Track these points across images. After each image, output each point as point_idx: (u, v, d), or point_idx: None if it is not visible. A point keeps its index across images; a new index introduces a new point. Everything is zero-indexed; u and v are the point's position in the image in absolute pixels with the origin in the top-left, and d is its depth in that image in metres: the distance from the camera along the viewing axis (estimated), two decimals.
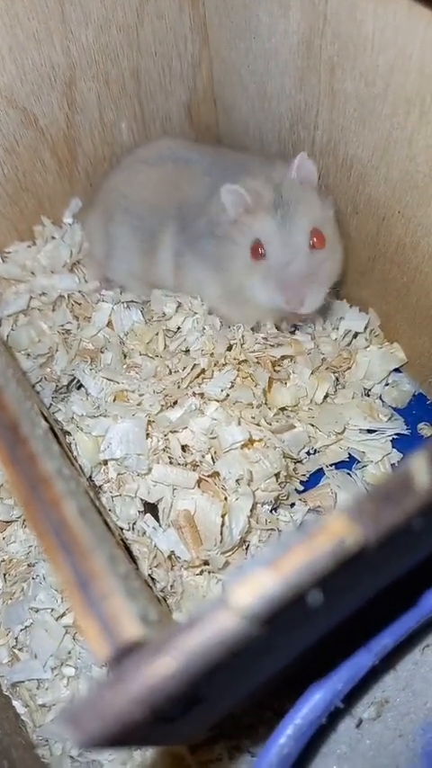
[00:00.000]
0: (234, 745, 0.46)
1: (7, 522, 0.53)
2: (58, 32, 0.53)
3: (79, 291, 0.63)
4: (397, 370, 0.60)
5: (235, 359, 0.54)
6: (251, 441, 0.50)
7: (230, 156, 0.58)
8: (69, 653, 0.47)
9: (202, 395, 0.52)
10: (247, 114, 0.61)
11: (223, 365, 0.54)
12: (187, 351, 0.55)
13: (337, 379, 0.58)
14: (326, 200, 0.52)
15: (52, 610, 0.48)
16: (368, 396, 0.59)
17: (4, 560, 0.52)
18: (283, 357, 0.56)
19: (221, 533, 0.48)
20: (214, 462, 0.50)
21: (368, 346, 0.59)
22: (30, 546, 0.52)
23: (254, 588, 0.19)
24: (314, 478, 0.56)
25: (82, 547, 0.21)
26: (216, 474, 0.50)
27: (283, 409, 0.55)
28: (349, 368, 0.59)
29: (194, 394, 0.52)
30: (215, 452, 0.51)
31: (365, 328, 0.59)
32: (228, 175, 0.51)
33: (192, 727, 0.33)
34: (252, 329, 0.57)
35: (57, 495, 0.22)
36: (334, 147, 0.52)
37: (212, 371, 0.54)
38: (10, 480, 0.23)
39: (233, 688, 0.28)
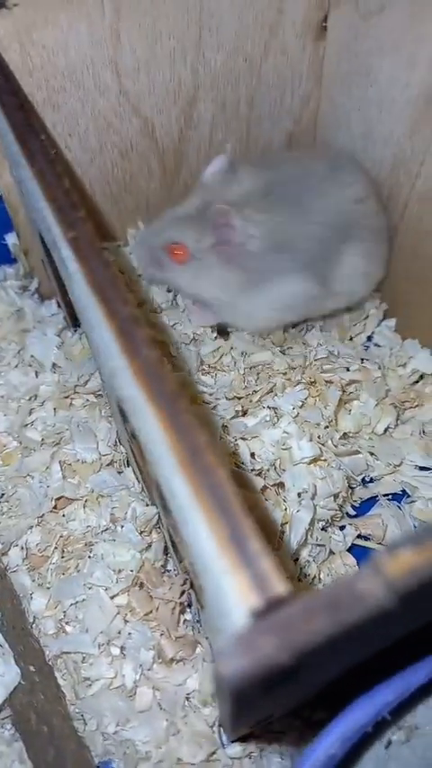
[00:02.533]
0: (263, 747, 0.47)
1: (71, 499, 0.55)
2: (191, 54, 0.56)
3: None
4: None
5: (309, 378, 0.57)
6: (318, 458, 0.53)
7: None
8: (119, 632, 0.49)
9: (275, 409, 0.55)
10: (346, 151, 0.65)
11: (297, 383, 0.56)
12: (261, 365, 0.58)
13: (398, 414, 0.60)
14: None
15: (107, 588, 0.50)
16: (425, 434, 0.61)
17: (62, 536, 0.54)
18: (352, 381, 0.58)
19: (278, 541, 0.50)
20: (280, 474, 0.52)
21: None
22: (88, 526, 0.54)
23: (403, 564, 0.21)
24: (365, 505, 0.58)
25: (237, 509, 0.24)
26: (281, 484, 0.52)
27: (345, 434, 0.57)
28: (412, 407, 0.61)
29: (268, 407, 0.55)
30: (280, 464, 0.53)
31: None
32: None
33: (292, 697, 0.35)
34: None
35: (213, 461, 0.25)
36: None
37: (284, 387, 0.57)
38: (171, 446, 0.25)
39: (345, 659, 0.30)
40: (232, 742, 0.47)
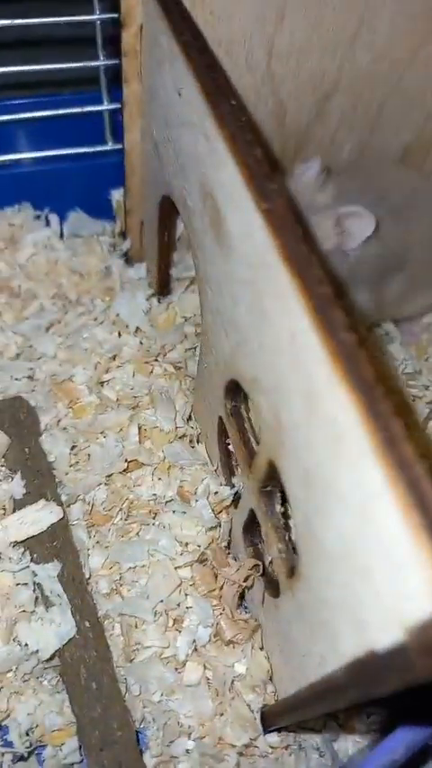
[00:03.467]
0: (302, 741, 0.47)
1: (143, 464, 0.55)
2: (342, 49, 0.56)
3: None
4: None
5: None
6: None
7: None
8: (178, 605, 0.49)
9: None
10: None
11: None
12: None
13: None
14: None
15: (172, 558, 0.50)
16: None
17: (128, 499, 0.54)
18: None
19: None
20: None
21: None
22: (154, 494, 0.54)
23: None
24: None
25: None
26: None
27: None
28: None
29: None
30: None
31: None
32: None
33: None
34: None
35: (412, 455, 0.25)
36: None
37: None
38: (367, 432, 0.25)
39: None
40: (269, 732, 0.47)
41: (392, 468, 0.25)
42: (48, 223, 0.68)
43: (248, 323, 0.37)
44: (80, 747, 0.46)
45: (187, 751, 0.45)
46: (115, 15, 0.50)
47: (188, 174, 0.43)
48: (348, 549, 0.29)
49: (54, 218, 0.68)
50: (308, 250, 0.30)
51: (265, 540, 0.45)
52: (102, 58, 0.58)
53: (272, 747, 0.46)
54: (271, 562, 0.50)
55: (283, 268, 0.30)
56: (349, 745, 0.48)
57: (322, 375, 0.28)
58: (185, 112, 0.41)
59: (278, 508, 0.43)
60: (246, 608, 0.51)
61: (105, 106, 0.61)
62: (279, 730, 0.47)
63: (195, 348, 0.62)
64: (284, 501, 0.49)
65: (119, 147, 0.61)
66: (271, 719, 0.46)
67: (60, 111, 0.60)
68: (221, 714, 0.46)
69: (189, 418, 0.59)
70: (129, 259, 0.69)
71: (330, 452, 0.29)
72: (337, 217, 0.53)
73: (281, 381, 0.33)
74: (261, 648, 0.48)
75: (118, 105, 0.56)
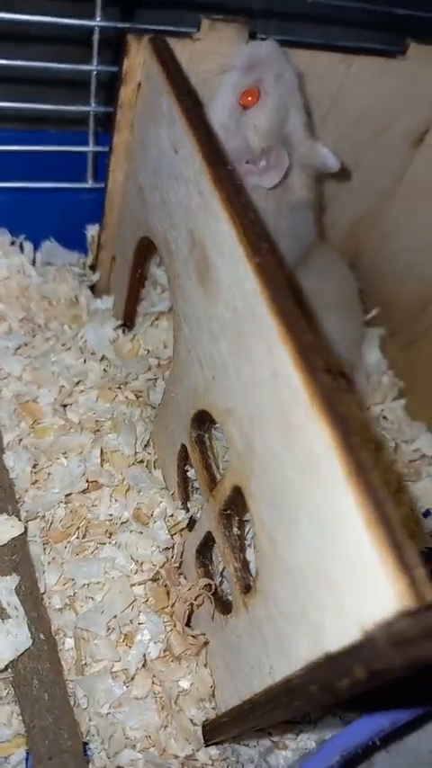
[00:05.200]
0: (239, 754, 0.50)
1: (102, 485, 0.57)
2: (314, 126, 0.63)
3: None
4: None
5: None
6: None
7: None
8: (131, 620, 0.51)
9: None
10: (403, 250, 0.73)
11: None
12: None
13: (397, 483, 0.67)
14: None
15: (128, 576, 0.52)
16: (413, 510, 0.68)
17: (86, 518, 0.56)
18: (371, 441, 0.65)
19: None
20: None
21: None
22: (110, 515, 0.57)
23: None
24: None
25: (397, 523, 0.28)
26: None
27: None
28: (410, 482, 0.68)
29: None
30: None
31: None
32: None
33: None
34: None
35: (378, 481, 0.30)
36: None
37: None
38: (341, 462, 0.30)
39: None
40: (209, 744, 0.50)
41: (361, 492, 0.29)
42: (22, 250, 0.70)
43: (227, 359, 0.41)
44: (27, 758, 0.47)
45: (132, 761, 0.47)
46: (114, 69, 0.54)
47: (176, 222, 0.48)
48: (313, 563, 0.33)
49: (28, 246, 0.71)
50: (293, 303, 0.35)
51: (221, 559, 0.48)
52: (93, 104, 0.62)
53: (212, 759, 0.49)
54: (221, 582, 0.53)
55: (271, 317, 0.35)
56: (281, 760, 0.52)
57: (301, 409, 0.33)
58: (180, 168, 0.46)
59: (236, 531, 0.47)
60: (194, 625, 0.54)
61: (91, 148, 0.65)
62: (219, 744, 0.50)
63: (157, 379, 0.66)
64: (240, 524, 0.53)
65: (99, 185, 0.65)
66: (212, 733, 0.49)
67: (47, 148, 0.64)
68: (166, 727, 0.49)
69: (147, 445, 0.62)
70: (95, 291, 0.72)
71: (304, 477, 0.33)
72: (263, 149, 0.55)
73: (257, 412, 0.38)
74: (206, 665, 0.51)
75: (102, 148, 0.60)
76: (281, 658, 0.38)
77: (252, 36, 0.53)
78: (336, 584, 0.31)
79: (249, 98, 0.54)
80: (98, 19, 0.55)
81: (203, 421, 0.50)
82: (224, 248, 0.40)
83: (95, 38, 0.57)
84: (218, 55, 0.53)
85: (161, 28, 0.53)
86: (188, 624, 0.53)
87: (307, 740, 0.53)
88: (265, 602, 0.39)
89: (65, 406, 0.62)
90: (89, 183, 0.69)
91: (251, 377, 0.38)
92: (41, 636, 0.49)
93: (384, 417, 0.74)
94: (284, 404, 0.34)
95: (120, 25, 0.52)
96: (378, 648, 0.27)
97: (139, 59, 0.51)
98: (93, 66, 0.59)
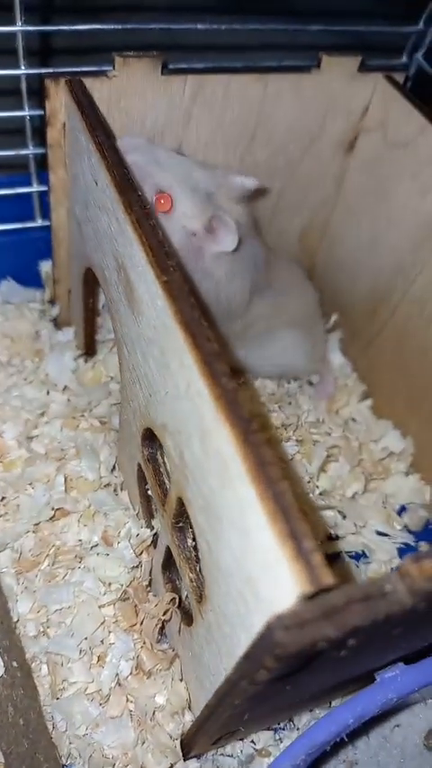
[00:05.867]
0: (219, 766, 0.51)
1: (69, 512, 0.59)
2: (243, 145, 0.66)
3: None
4: None
5: (298, 437, 0.64)
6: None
7: None
8: (102, 641, 0.52)
9: None
10: (350, 254, 0.75)
11: (288, 439, 0.63)
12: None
13: (366, 483, 0.68)
14: None
15: (96, 598, 0.53)
16: (386, 505, 0.69)
17: (55, 545, 0.57)
18: (335, 446, 0.66)
19: None
20: None
21: (403, 472, 0.70)
22: (80, 540, 0.58)
23: (426, 570, 0.28)
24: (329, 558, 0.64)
25: (296, 513, 0.30)
26: None
27: (321, 492, 0.64)
28: (380, 479, 0.69)
29: None
30: None
31: (402, 452, 0.70)
32: None
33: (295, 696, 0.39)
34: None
35: (278, 475, 0.31)
36: (427, 300, 0.65)
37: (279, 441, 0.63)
38: (242, 458, 0.31)
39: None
40: (189, 758, 0.50)
41: (261, 485, 0.31)
42: None
43: (156, 376, 0.43)
44: None
45: None
46: (41, 112, 0.57)
47: (105, 250, 0.50)
48: (238, 563, 0.34)
49: None
50: (199, 315, 0.37)
51: (179, 572, 0.49)
52: (31, 147, 0.65)
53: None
54: (187, 596, 0.54)
55: (179, 329, 0.37)
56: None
57: (210, 414, 0.34)
58: (101, 198, 0.48)
59: (189, 542, 0.48)
60: (165, 640, 0.55)
61: (35, 188, 0.68)
62: (198, 756, 0.51)
63: (120, 404, 0.68)
64: (194, 534, 0.54)
65: (47, 223, 0.68)
66: (188, 746, 0.50)
67: None
68: (143, 742, 0.49)
69: (113, 468, 0.63)
70: (58, 324, 0.74)
71: (220, 480, 0.34)
72: (213, 214, 0.56)
73: (183, 424, 0.39)
74: (181, 680, 0.52)
75: (45, 188, 0.63)
76: (230, 660, 0.38)
77: (164, 67, 0.56)
78: (253, 579, 0.32)
79: (163, 202, 0.56)
80: (22, 68, 0.58)
81: (153, 438, 0.51)
82: (139, 269, 0.42)
83: (23, 86, 0.60)
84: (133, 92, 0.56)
85: (80, 69, 0.55)
86: (162, 638, 0.54)
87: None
88: (213, 607, 0.40)
89: (30, 438, 0.63)
90: (38, 222, 0.71)
91: (174, 390, 0.40)
92: (14, 663, 0.50)
93: (353, 419, 0.75)
94: (199, 412, 0.36)
95: (44, 71, 0.55)
96: (275, 635, 0.28)
97: (59, 100, 0.54)
98: (25, 112, 0.62)
